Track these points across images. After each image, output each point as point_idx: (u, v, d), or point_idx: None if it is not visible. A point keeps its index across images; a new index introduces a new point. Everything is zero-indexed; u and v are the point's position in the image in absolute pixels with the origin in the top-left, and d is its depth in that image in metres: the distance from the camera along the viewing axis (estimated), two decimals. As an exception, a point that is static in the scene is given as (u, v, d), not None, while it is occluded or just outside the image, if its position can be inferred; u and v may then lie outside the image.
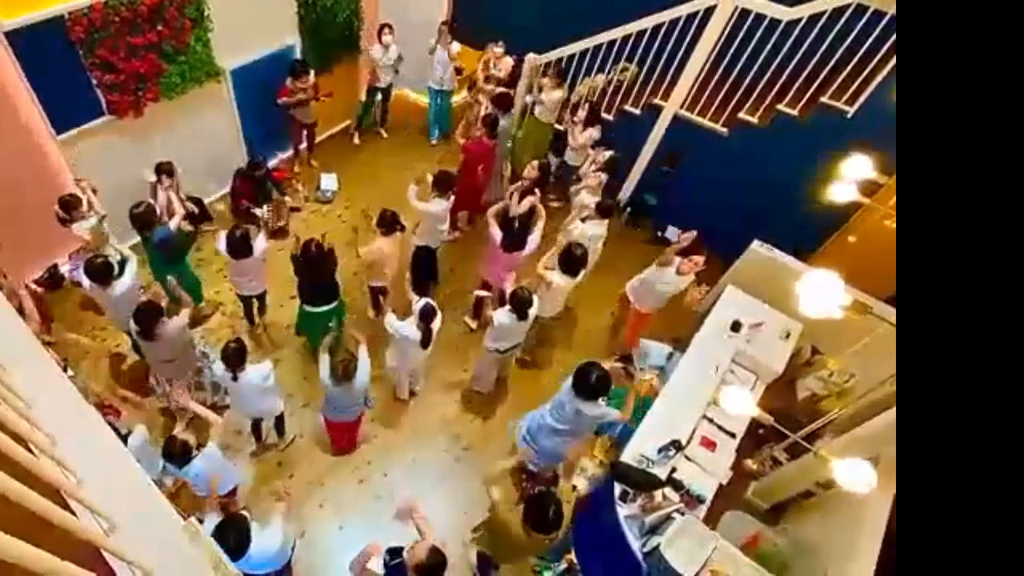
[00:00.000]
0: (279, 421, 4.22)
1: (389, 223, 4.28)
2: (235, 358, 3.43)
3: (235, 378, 3.49)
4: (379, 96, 6.73)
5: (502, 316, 3.96)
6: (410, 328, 3.88)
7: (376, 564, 2.68)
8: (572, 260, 4.08)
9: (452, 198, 4.71)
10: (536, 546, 2.96)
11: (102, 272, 3.71)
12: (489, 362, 4.52)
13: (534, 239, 4.45)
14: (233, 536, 2.64)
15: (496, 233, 4.34)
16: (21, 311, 3.69)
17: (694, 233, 4.37)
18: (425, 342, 3.94)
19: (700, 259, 4.26)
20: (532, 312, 3.98)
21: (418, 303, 3.87)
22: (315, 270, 4.15)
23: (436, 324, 3.94)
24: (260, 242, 4.25)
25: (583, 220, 4.71)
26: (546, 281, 4.23)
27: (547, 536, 2.82)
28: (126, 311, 3.77)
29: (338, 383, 3.53)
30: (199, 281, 4.89)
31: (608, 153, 5.31)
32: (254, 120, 5.85)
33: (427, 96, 7.01)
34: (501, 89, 5.83)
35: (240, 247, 4.09)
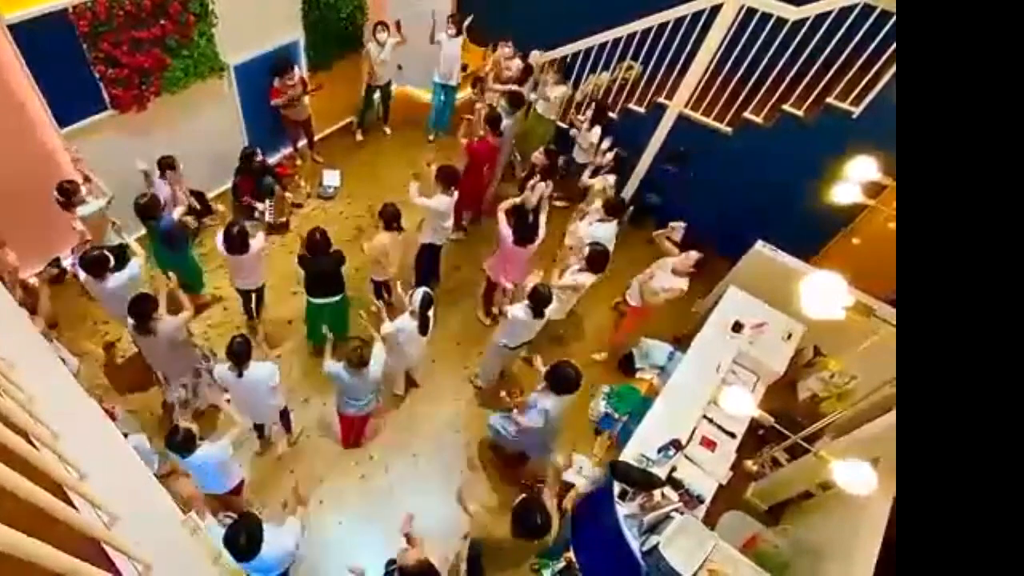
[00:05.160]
0: (284, 417, 4.21)
1: (389, 218, 4.29)
2: (240, 354, 3.39)
3: (240, 375, 3.44)
4: (378, 94, 6.67)
5: (519, 311, 3.95)
6: (405, 320, 3.90)
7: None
8: (597, 258, 4.23)
9: (456, 194, 4.69)
10: (528, 549, 3.02)
11: (95, 264, 3.67)
12: (496, 357, 4.53)
13: (541, 229, 4.47)
14: (245, 535, 2.52)
15: (506, 229, 4.33)
16: (34, 309, 3.64)
17: (682, 225, 4.71)
18: (423, 329, 3.98)
19: (695, 255, 4.29)
20: (548, 311, 3.99)
21: (417, 292, 3.90)
22: (317, 259, 4.17)
23: (431, 312, 3.99)
24: (258, 239, 4.26)
25: (590, 224, 4.73)
26: (576, 285, 4.29)
27: (536, 541, 2.81)
28: (118, 308, 3.69)
29: (353, 370, 3.52)
30: (201, 269, 4.89)
31: (610, 154, 5.31)
32: (256, 116, 5.84)
33: (431, 92, 6.90)
34: (513, 87, 5.71)
35: (236, 243, 4.10)
